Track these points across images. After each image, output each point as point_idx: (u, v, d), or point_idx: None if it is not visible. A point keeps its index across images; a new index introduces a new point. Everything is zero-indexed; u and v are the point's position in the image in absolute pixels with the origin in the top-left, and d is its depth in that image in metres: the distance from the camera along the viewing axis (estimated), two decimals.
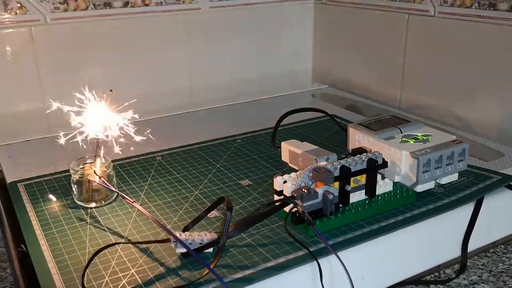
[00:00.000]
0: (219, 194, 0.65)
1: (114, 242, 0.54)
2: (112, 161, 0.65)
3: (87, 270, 0.49)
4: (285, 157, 0.71)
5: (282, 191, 0.57)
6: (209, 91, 1.11)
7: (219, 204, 0.57)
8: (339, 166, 0.56)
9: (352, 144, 0.69)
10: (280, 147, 0.72)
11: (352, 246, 0.53)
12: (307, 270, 0.50)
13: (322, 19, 1.19)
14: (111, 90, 0.60)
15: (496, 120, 0.85)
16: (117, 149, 0.61)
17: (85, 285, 0.47)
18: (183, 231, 0.55)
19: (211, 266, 0.48)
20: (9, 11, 0.89)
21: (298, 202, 0.52)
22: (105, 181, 0.61)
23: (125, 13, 0.99)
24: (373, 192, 0.59)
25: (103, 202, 0.63)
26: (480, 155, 0.74)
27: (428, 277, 0.62)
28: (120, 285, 0.48)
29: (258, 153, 0.77)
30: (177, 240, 0.50)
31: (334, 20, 1.16)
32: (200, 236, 0.52)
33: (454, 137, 0.64)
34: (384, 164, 0.59)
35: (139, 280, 0.48)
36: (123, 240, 0.55)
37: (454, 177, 0.64)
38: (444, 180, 0.63)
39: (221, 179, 0.69)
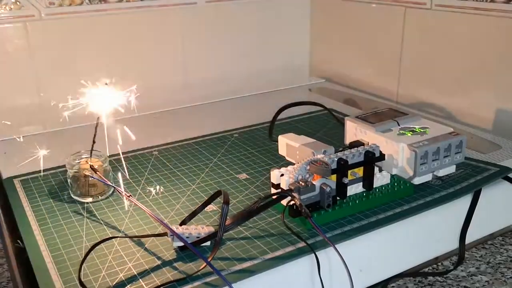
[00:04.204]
0: (216, 188, 0.65)
1: (111, 236, 0.54)
2: (108, 156, 0.65)
3: (84, 264, 0.49)
4: (282, 151, 0.70)
5: (279, 184, 0.57)
6: (205, 85, 1.11)
7: (216, 198, 0.57)
8: (336, 159, 0.56)
9: (350, 137, 0.68)
10: (277, 141, 0.71)
11: (349, 238, 0.53)
12: (305, 263, 0.50)
13: (319, 13, 1.19)
14: (106, 84, 0.59)
15: (493, 113, 0.84)
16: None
17: (82, 279, 0.47)
18: (180, 225, 0.55)
19: (209, 259, 0.48)
20: (3, 7, 0.89)
21: (296, 195, 0.52)
22: (101, 176, 0.61)
23: (120, 8, 0.98)
24: (370, 185, 0.59)
25: (99, 196, 0.63)
26: (477, 147, 0.74)
27: (426, 269, 0.62)
28: (117, 279, 0.47)
29: (255, 147, 0.77)
30: (174, 233, 0.50)
31: (331, 14, 1.16)
32: (197, 230, 0.51)
33: (451, 129, 0.64)
34: (382, 156, 0.59)
35: (136, 274, 0.48)
36: (120, 234, 0.55)
37: (451, 169, 0.64)
38: (441, 172, 0.63)
39: (218, 173, 0.69)
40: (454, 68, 0.90)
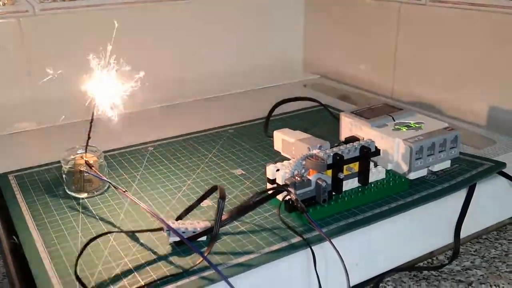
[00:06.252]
0: (212, 183, 0.65)
1: (106, 231, 0.54)
2: (104, 151, 0.65)
3: (80, 260, 0.49)
4: (277, 146, 0.71)
5: (275, 179, 0.57)
6: (200, 81, 1.11)
7: (212, 193, 0.57)
8: (332, 154, 0.56)
9: (345, 133, 0.68)
10: (272, 137, 0.71)
11: (345, 233, 0.53)
12: (301, 257, 0.50)
13: (313, 9, 1.18)
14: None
15: (488, 108, 0.85)
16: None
17: (78, 275, 0.47)
18: (176, 220, 0.55)
19: (205, 254, 0.48)
20: None
21: (291, 190, 0.52)
22: (97, 171, 0.61)
23: (114, 4, 0.98)
24: (366, 180, 0.59)
25: (95, 192, 0.62)
26: (472, 143, 0.75)
27: (421, 264, 0.62)
28: (113, 274, 0.47)
29: (250, 143, 0.77)
30: (170, 229, 0.50)
31: (325, 10, 1.15)
32: (193, 225, 0.51)
33: (446, 125, 0.64)
34: (377, 151, 0.59)
35: (133, 269, 0.48)
36: (115, 230, 0.55)
37: (446, 164, 0.64)
38: (436, 167, 0.63)
39: (214, 168, 0.69)
40: (449, 64, 0.90)
